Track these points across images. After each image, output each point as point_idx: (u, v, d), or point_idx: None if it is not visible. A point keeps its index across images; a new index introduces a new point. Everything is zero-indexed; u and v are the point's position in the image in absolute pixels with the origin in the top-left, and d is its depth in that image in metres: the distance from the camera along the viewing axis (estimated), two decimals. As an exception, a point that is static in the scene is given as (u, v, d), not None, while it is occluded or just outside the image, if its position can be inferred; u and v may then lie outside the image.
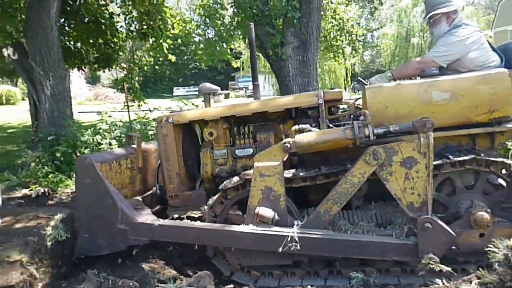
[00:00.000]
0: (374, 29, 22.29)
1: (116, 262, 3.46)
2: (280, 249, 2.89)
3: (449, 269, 2.72)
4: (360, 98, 3.57)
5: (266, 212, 2.97)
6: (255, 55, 4.19)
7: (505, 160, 2.90)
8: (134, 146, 3.93)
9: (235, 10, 10.02)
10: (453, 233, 2.77)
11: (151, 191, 3.99)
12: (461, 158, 2.89)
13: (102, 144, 6.79)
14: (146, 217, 3.32)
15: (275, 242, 2.92)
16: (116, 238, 3.26)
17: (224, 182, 3.22)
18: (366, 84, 3.54)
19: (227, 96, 39.41)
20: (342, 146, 2.94)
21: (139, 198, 3.76)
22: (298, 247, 2.87)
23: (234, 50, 14.74)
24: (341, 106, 3.73)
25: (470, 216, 2.85)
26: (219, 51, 12.08)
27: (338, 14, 13.22)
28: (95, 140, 6.77)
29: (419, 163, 2.76)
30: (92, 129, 7.19)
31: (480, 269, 2.61)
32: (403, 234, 2.93)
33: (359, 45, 15.00)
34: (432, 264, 2.70)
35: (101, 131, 7.09)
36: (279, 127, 3.62)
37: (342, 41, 13.70)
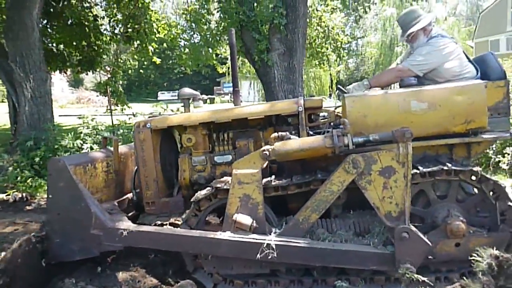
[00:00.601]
0: (358, 37, 22.54)
1: (95, 270, 3.35)
2: (258, 257, 2.83)
3: (425, 279, 2.71)
4: (340, 106, 3.58)
5: (244, 219, 2.92)
6: (235, 61, 4.12)
7: (473, 168, 2.92)
8: (111, 148, 3.84)
9: (221, 15, 10.00)
10: (429, 243, 2.76)
11: (127, 196, 3.90)
12: (429, 169, 2.89)
13: (83, 148, 6.66)
14: (121, 222, 3.20)
15: (252, 249, 2.87)
16: (89, 244, 3.13)
17: (196, 194, 3.15)
18: (346, 92, 3.55)
19: (212, 101, 39.41)
20: (322, 154, 2.91)
21: (115, 202, 3.66)
22: (275, 255, 2.82)
23: (219, 56, 14.69)
24: (321, 114, 3.70)
25: (446, 225, 2.85)
26: (205, 56, 12.03)
27: (324, 22, 13.34)
28: (75, 145, 6.64)
29: (398, 172, 2.75)
30: (72, 133, 7.05)
31: (464, 278, 2.63)
32: (380, 243, 2.91)
33: (344, 52, 15.16)
34: (408, 274, 2.69)
35: (82, 135, 6.96)
36: (259, 134, 3.56)
37: (327, 48, 13.81)
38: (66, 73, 13.47)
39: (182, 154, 3.60)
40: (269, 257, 2.83)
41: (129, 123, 8.24)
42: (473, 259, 2.53)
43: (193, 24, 11.60)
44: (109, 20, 11.44)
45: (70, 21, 10.54)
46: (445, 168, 2.89)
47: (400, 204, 2.79)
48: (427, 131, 3.06)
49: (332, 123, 3.53)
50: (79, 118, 7.55)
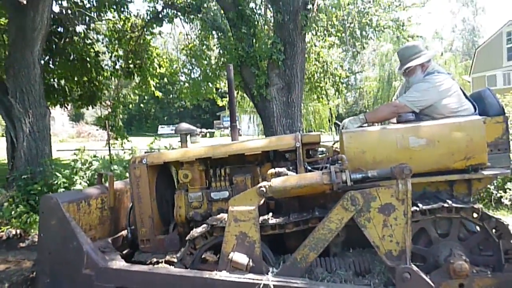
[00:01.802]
0: (357, 72, 22.87)
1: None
2: None
3: None
4: (338, 141, 3.55)
5: (240, 258, 2.85)
6: (233, 96, 4.13)
7: (475, 205, 2.84)
8: (106, 185, 3.78)
9: (220, 51, 10.15)
10: (432, 284, 2.67)
11: (121, 233, 3.80)
12: (430, 207, 2.82)
13: (79, 184, 6.58)
14: (114, 261, 3.11)
15: None
16: (81, 284, 3.02)
17: (191, 232, 3.08)
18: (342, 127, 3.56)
19: (212, 135, 39.56)
20: (320, 191, 2.86)
21: (109, 240, 3.57)
22: None
23: (220, 90, 14.85)
24: (319, 149, 3.68)
25: (449, 265, 2.73)
26: (205, 90, 12.14)
27: (322, 57, 13.52)
28: (72, 180, 6.57)
29: (398, 210, 2.69)
30: (69, 169, 6.99)
31: None
32: (381, 284, 2.82)
33: (342, 87, 15.29)
34: None
35: (77, 170, 6.89)
36: (256, 169, 3.51)
37: (326, 83, 13.94)
38: (67, 108, 13.58)
39: (178, 190, 3.53)
40: None
41: (125, 159, 8.15)
42: None
43: (193, 60, 11.78)
44: (110, 56, 11.62)
45: (72, 57, 10.71)
46: (446, 205, 2.81)
47: (400, 243, 2.70)
48: (427, 168, 3.00)
49: (330, 159, 3.48)
50: (74, 154, 7.47)
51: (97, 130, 29.75)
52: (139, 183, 3.49)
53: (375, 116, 3.61)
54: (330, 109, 23.32)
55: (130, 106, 38.34)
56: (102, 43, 12.06)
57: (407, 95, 3.46)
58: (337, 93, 15.50)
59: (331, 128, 23.22)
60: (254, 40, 9.10)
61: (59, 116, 34.44)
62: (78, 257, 3.01)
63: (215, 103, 15.53)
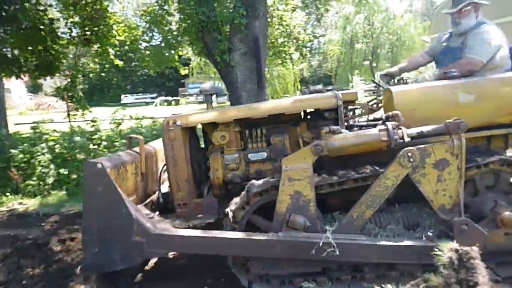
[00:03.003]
0: (320, 35, 22.85)
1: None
2: (317, 256, 2.80)
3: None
4: (373, 99, 3.62)
5: (298, 218, 2.85)
6: (260, 55, 4.02)
7: None
8: (135, 149, 3.68)
9: (181, 16, 9.93)
10: (487, 234, 2.81)
11: (150, 198, 3.74)
12: (486, 161, 2.95)
13: (40, 160, 6.44)
14: (164, 227, 3.05)
15: (309, 249, 2.82)
16: (132, 251, 2.94)
17: (251, 182, 3.02)
18: (382, 87, 3.61)
19: (177, 103, 38.99)
20: (375, 148, 2.89)
21: (142, 206, 3.48)
22: (337, 253, 2.78)
23: (182, 57, 14.58)
24: (349, 108, 3.67)
25: (496, 215, 2.84)
26: (167, 58, 11.91)
27: (285, 21, 13.46)
28: (31, 154, 6.43)
29: (451, 164, 2.79)
30: (28, 142, 6.82)
31: (426, 273, 2.60)
32: (434, 237, 2.89)
33: (306, 51, 15.33)
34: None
35: (36, 143, 6.72)
36: (294, 129, 3.48)
37: (290, 47, 13.94)
38: (22, 79, 13.00)
39: (214, 152, 3.43)
40: (330, 255, 2.79)
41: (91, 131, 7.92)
42: (434, 254, 2.54)
43: (152, 26, 11.47)
44: (66, 23, 11.11)
45: (24, 25, 10.16)
46: (504, 158, 2.96)
47: (454, 197, 2.83)
48: (475, 123, 3.05)
49: (367, 117, 3.54)
50: (32, 128, 7.25)
51: (56, 101, 28.74)
52: (174, 146, 3.37)
53: (446, 76, 3.41)
54: (294, 73, 23.49)
55: (91, 75, 36.97)
56: (56, 9, 11.49)
57: (479, 50, 3.39)
58: (301, 57, 15.56)
59: (295, 92, 23.37)
60: (215, 5, 8.95)
61: (16, 87, 32.89)
62: (128, 224, 2.91)
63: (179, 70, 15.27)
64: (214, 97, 3.85)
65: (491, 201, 3.00)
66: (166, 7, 11.04)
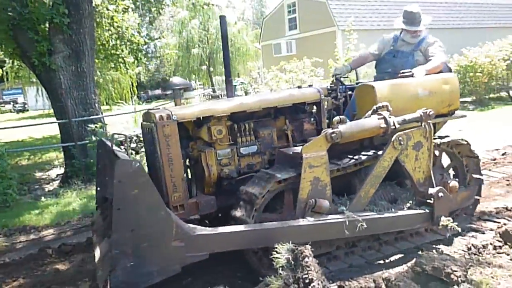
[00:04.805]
0: (155, 38, 22.25)
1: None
2: (347, 234, 3.10)
3: (459, 229, 3.52)
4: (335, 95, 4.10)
5: (323, 203, 3.08)
6: (228, 50, 4.02)
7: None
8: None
9: (-14, 11, 8.32)
10: (453, 199, 3.60)
11: None
12: (444, 141, 3.75)
13: None
14: (198, 228, 2.87)
15: (339, 228, 3.09)
16: (171, 259, 2.69)
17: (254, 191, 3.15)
18: (343, 84, 4.27)
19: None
20: (375, 134, 3.35)
21: None
22: (365, 226, 3.12)
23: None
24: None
25: (446, 185, 3.56)
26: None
27: (116, 22, 12.58)
28: None
29: (424, 146, 3.41)
30: None
31: (267, 276, 2.67)
32: (413, 206, 3.50)
33: (141, 55, 14.63)
34: (450, 225, 3.34)
35: None
36: (278, 122, 3.76)
37: (123, 50, 13.10)
38: None
39: (208, 148, 3.39)
40: (359, 231, 3.13)
41: None
42: (274, 257, 2.68)
43: None
44: None
45: None
46: (454, 139, 3.81)
47: (426, 172, 3.49)
48: None
49: (332, 110, 4.02)
50: None
51: None
52: (169, 143, 3.14)
53: (435, 71, 4.03)
54: (131, 77, 22.33)
55: None
56: None
57: (442, 55, 4.15)
58: (136, 61, 14.80)
59: (132, 98, 22.36)
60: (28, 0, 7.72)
61: None
62: (168, 229, 2.65)
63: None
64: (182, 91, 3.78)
65: (437, 174, 3.70)
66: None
